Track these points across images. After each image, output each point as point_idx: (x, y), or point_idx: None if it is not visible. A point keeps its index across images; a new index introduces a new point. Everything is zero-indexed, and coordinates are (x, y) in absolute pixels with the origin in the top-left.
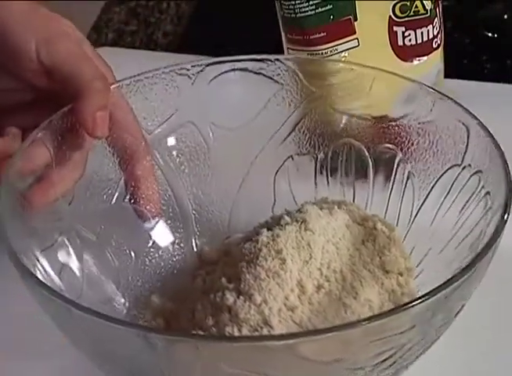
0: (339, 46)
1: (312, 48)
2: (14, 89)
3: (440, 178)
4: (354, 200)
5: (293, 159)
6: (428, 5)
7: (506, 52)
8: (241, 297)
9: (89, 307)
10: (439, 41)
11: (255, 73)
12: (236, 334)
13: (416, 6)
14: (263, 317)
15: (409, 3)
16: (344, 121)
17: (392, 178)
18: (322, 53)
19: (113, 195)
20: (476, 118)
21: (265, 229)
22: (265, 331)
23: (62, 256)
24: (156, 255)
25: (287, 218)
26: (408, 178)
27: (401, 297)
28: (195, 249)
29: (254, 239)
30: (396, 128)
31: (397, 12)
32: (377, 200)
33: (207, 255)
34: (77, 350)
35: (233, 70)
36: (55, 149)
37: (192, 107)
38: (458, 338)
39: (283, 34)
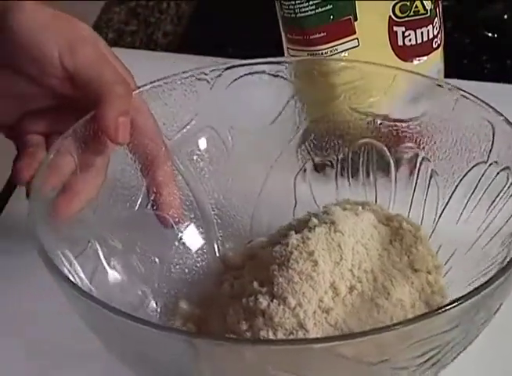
0: (339, 46)
1: (312, 48)
2: (37, 95)
3: (465, 176)
4: (376, 201)
5: (313, 161)
6: (428, 5)
7: (506, 52)
8: (275, 300)
9: (131, 313)
10: (439, 41)
11: (273, 75)
12: (272, 337)
13: (416, 6)
14: (298, 320)
15: (409, 3)
16: (363, 122)
17: (415, 177)
18: (322, 53)
19: (136, 202)
20: (501, 115)
21: (292, 232)
22: (300, 334)
23: (92, 263)
24: (181, 261)
25: (315, 220)
26: (431, 177)
27: (431, 295)
28: (217, 254)
29: (283, 242)
30: (418, 127)
31: (397, 12)
32: (400, 199)
33: (231, 260)
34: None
35: (251, 73)
36: (79, 156)
37: (211, 112)
38: (492, 335)
39: (283, 34)
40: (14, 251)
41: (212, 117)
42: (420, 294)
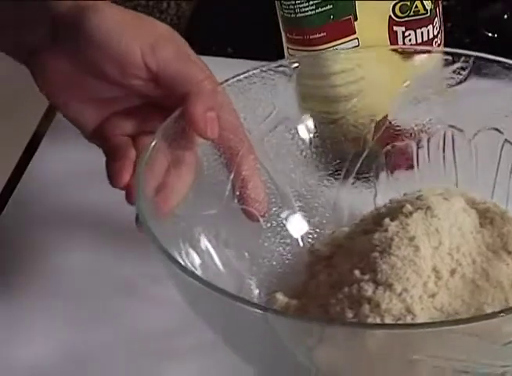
0: (339, 46)
1: (312, 48)
2: (120, 98)
3: None
4: (457, 186)
5: (392, 148)
6: (428, 5)
7: (506, 51)
8: (380, 287)
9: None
10: (439, 41)
11: None
12: None
13: (416, 6)
14: (406, 305)
15: (409, 3)
16: None
17: (497, 160)
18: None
19: (223, 197)
20: None
21: (387, 219)
22: (408, 319)
23: (193, 259)
24: (269, 255)
25: (409, 207)
26: None
27: None
28: (301, 244)
29: (380, 229)
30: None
31: (397, 12)
32: (482, 183)
33: (320, 251)
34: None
35: None
36: (170, 154)
37: (290, 104)
38: None
39: (283, 33)
40: (15, 250)
41: (291, 109)
42: None
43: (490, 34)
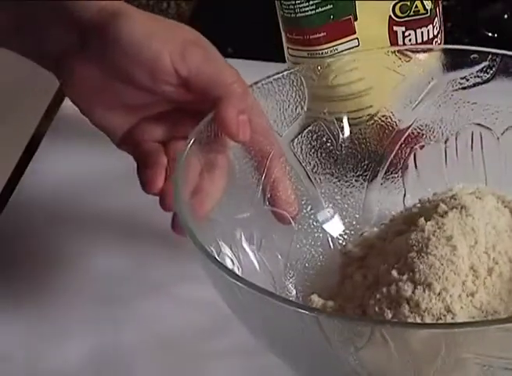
0: (339, 46)
1: (312, 48)
2: (150, 104)
3: None
4: (486, 184)
5: (421, 149)
6: (428, 5)
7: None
8: (419, 287)
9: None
10: (439, 41)
11: None
12: None
13: (416, 6)
14: (445, 305)
15: (409, 3)
16: None
17: None
18: (322, 53)
19: (255, 200)
20: None
21: (422, 219)
22: (448, 319)
23: (231, 261)
24: (301, 257)
25: (444, 206)
26: None
27: None
28: (332, 246)
29: (416, 229)
30: None
31: (397, 12)
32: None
33: (352, 252)
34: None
35: None
36: (204, 159)
37: (318, 105)
38: None
39: (283, 33)
40: (14, 251)
41: (319, 111)
42: None
43: (490, 34)
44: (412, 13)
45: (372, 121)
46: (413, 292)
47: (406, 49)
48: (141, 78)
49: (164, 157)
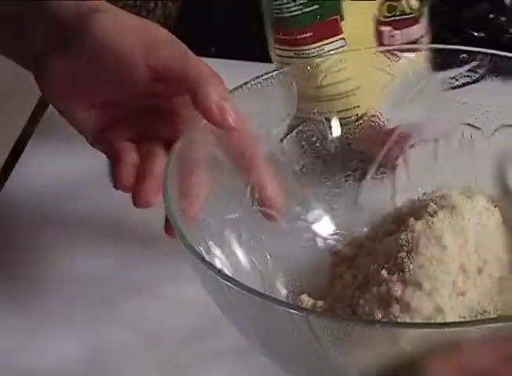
0: (326, 46)
1: (299, 48)
2: (123, 102)
3: None
4: (476, 184)
5: (410, 148)
6: (415, 5)
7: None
8: (409, 287)
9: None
10: (426, 41)
11: None
12: None
13: (403, 6)
14: (435, 305)
15: (395, 3)
16: None
17: None
18: (308, 53)
19: (243, 200)
20: None
21: (412, 219)
22: (439, 319)
23: (220, 261)
24: (291, 257)
25: (434, 206)
26: None
27: None
28: (322, 246)
29: (406, 229)
30: None
31: (383, 11)
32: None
33: (342, 252)
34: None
35: None
36: (192, 159)
37: (307, 105)
38: None
39: (269, 33)
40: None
41: (309, 111)
42: None
43: (476, 34)
44: (398, 13)
45: (361, 121)
46: (403, 292)
47: (395, 49)
48: (114, 76)
49: (134, 155)
